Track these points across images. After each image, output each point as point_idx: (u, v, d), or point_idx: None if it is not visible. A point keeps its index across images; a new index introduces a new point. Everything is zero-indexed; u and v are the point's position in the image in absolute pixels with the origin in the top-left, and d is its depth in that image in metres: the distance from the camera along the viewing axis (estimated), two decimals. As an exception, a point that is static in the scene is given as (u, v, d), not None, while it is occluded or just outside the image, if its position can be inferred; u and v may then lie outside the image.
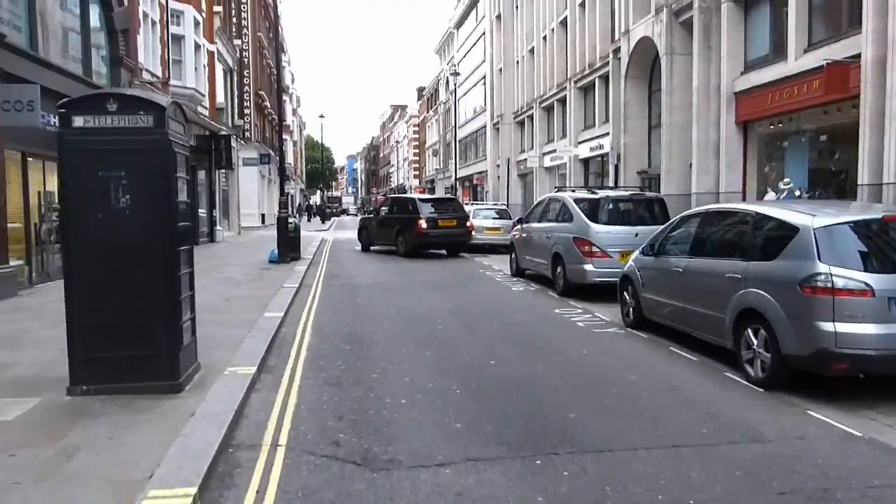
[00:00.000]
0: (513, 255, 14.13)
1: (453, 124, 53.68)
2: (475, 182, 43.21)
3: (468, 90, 51.29)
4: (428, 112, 72.21)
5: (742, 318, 6.17)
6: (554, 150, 31.75)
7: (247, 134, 33.97)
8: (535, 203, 13.72)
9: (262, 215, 38.06)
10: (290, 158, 57.64)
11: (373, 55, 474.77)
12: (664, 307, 7.76)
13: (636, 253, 8.76)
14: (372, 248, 20.60)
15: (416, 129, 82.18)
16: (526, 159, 36.48)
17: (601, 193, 11.65)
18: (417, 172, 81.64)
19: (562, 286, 11.32)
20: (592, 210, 11.09)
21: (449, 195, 35.72)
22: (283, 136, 55.30)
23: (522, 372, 6.41)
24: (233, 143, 26.17)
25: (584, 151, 27.79)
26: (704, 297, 6.87)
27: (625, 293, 8.76)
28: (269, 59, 44.03)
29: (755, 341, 5.97)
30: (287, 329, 8.41)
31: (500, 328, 8.58)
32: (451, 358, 6.97)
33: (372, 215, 21.97)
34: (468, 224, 18.37)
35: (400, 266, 16.33)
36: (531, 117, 36.16)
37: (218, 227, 23.65)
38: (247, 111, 33.92)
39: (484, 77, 44.52)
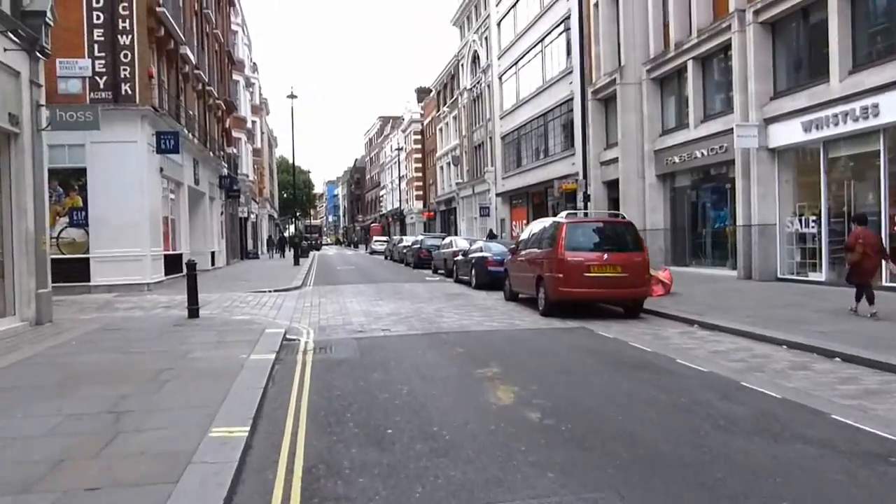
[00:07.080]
0: None
1: (488, 117, 35.77)
2: (557, 192, 25.07)
3: (518, 60, 33.52)
4: (439, 110, 54.21)
5: None
6: (814, 107, 13.88)
7: (125, 88, 15.65)
8: None
9: (183, 257, 19.16)
10: (246, 168, 39.05)
11: (351, 67, 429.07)
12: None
13: None
14: None
15: (418, 137, 64.08)
16: (681, 143, 18.60)
17: None
18: (421, 192, 63.23)
19: None
20: None
21: None
22: (236, 135, 36.92)
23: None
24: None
25: None
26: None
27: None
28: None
29: None
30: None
31: None
32: None
33: None
34: None
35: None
36: (707, 59, 18.39)
37: None
38: (125, 37, 15.61)
39: (566, 18, 26.64)
